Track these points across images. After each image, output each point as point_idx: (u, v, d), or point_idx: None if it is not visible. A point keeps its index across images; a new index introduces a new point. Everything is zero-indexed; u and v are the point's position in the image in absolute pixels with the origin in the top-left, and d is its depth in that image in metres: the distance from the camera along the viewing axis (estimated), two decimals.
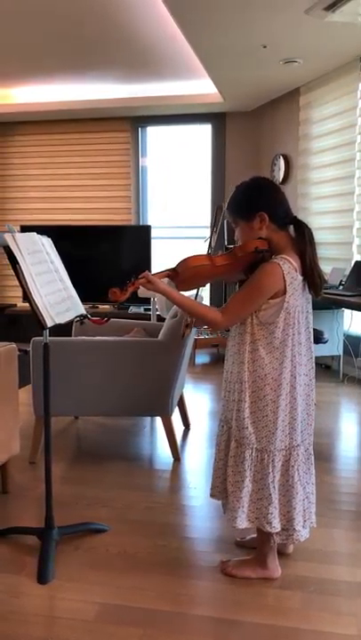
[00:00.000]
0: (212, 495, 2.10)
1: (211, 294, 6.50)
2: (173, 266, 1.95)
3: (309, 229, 1.92)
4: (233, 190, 2.00)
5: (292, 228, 1.95)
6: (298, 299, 1.88)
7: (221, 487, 2.05)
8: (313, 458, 2.02)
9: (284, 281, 1.83)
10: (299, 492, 1.94)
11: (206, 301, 6.42)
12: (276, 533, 1.97)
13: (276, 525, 1.92)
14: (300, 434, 1.95)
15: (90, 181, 6.73)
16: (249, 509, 1.94)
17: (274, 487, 1.92)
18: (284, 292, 1.84)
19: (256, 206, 1.89)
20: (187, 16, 3.65)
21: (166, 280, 1.96)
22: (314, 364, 2.00)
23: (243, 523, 1.94)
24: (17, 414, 2.67)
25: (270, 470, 1.91)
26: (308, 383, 1.97)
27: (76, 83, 5.73)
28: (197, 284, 2.01)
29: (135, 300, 1.98)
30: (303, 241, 1.90)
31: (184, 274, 1.92)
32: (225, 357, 2.08)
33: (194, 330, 3.30)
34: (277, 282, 1.83)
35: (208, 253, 1.97)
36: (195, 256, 1.93)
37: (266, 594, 1.95)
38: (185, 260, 1.92)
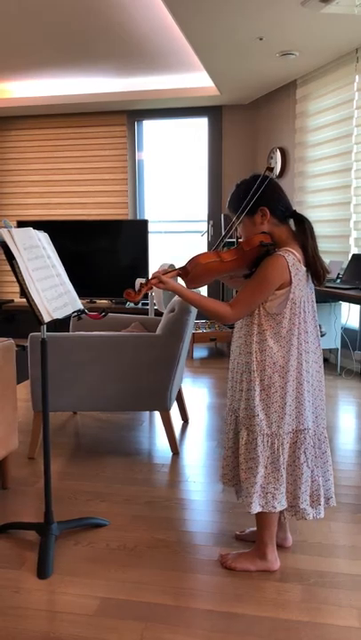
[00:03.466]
0: (223, 483, 2.14)
1: (208, 290, 6.50)
2: (183, 264, 2.01)
3: (309, 222, 1.98)
4: (233, 188, 2.05)
5: (292, 221, 2.01)
6: (303, 289, 1.94)
7: (231, 475, 2.10)
8: (328, 442, 2.06)
9: (290, 272, 1.89)
10: (305, 472, 1.99)
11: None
12: (286, 510, 2.02)
13: (283, 503, 1.98)
14: (309, 418, 2.00)
15: (86, 176, 6.71)
16: (259, 495, 1.98)
17: (284, 468, 1.98)
18: (290, 282, 1.90)
19: (257, 202, 1.95)
20: (182, 9, 3.63)
21: (177, 279, 2.02)
22: (322, 352, 2.06)
23: (256, 507, 1.98)
24: (15, 410, 2.67)
25: (281, 454, 1.97)
26: (318, 370, 2.04)
27: (72, 77, 5.70)
28: (207, 281, 2.08)
29: (152, 288, 2.03)
30: (304, 234, 1.96)
31: (194, 271, 1.97)
32: (231, 349, 2.13)
33: (192, 324, 3.30)
34: (283, 273, 1.89)
35: (215, 250, 2.02)
36: (203, 254, 1.98)
37: (265, 586, 1.96)
38: (194, 257, 1.98)
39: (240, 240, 2.03)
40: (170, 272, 2.00)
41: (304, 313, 1.96)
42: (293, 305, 1.93)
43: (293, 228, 2.01)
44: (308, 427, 2.00)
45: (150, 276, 1.98)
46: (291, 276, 1.89)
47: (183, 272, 2.00)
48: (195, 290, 2.08)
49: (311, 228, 1.97)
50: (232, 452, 2.09)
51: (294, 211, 2.01)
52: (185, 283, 2.02)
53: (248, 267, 1.98)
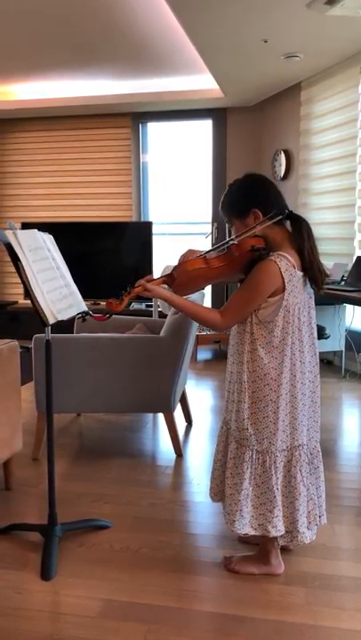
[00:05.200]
0: (211, 497, 2.10)
1: (212, 293, 6.50)
2: (170, 271, 1.93)
3: (307, 223, 1.89)
4: (227, 189, 1.97)
5: (288, 223, 1.92)
6: (298, 295, 1.85)
7: (218, 489, 2.05)
8: (321, 456, 2.00)
9: (283, 278, 1.80)
10: (302, 492, 1.91)
11: (208, 299, 6.42)
12: (282, 536, 1.96)
13: (280, 528, 1.91)
14: (304, 433, 1.92)
15: (91, 178, 6.72)
16: (252, 516, 1.92)
17: (277, 489, 1.90)
18: (283, 289, 1.82)
19: (249, 204, 1.88)
20: (187, 11, 3.64)
21: (164, 286, 1.94)
22: (318, 361, 1.97)
23: (244, 528, 1.91)
24: (19, 411, 2.67)
25: (273, 472, 1.89)
26: (312, 380, 1.95)
27: (77, 79, 5.71)
28: (196, 288, 1.97)
29: (137, 296, 1.95)
30: (300, 235, 1.86)
31: (181, 278, 1.89)
32: (227, 356, 2.06)
33: (196, 326, 3.29)
34: (275, 280, 1.80)
35: (204, 255, 1.92)
36: (190, 260, 1.90)
37: (269, 590, 1.95)
38: (181, 264, 1.90)
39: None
40: (155, 280, 1.91)
41: (298, 321, 1.86)
42: (287, 313, 1.83)
43: (290, 229, 1.91)
44: (302, 442, 1.92)
45: (135, 284, 1.89)
46: (284, 282, 1.80)
47: (170, 279, 1.91)
48: (187, 297, 2.00)
49: (308, 229, 1.87)
50: (220, 464, 2.02)
51: (290, 211, 1.91)
52: (173, 290, 1.93)
53: (242, 272, 1.89)
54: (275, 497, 1.89)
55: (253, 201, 1.87)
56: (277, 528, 1.90)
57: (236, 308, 1.87)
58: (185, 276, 1.88)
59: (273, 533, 1.90)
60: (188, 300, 1.95)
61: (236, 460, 1.93)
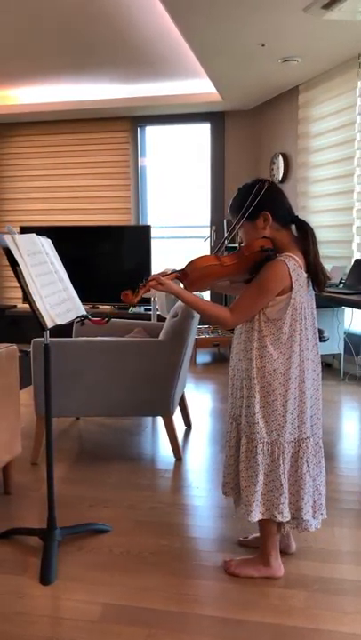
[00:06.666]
0: (224, 492, 2.13)
1: (211, 294, 6.50)
2: (182, 267, 1.98)
3: (311, 228, 1.97)
4: (235, 192, 2.03)
5: (293, 227, 2.00)
6: (303, 295, 1.92)
7: (233, 483, 2.08)
8: (323, 451, 2.06)
9: (291, 278, 1.87)
10: (307, 482, 1.97)
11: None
12: (287, 522, 2.00)
13: (286, 514, 1.96)
14: (309, 427, 1.99)
15: (89, 182, 6.73)
16: (260, 502, 1.97)
17: (285, 478, 1.96)
18: (291, 288, 1.88)
19: (259, 206, 1.93)
20: (185, 15, 3.65)
21: (175, 281, 1.99)
22: (320, 360, 2.04)
23: (256, 515, 1.97)
24: (19, 415, 2.67)
25: (281, 462, 1.95)
26: (316, 378, 2.02)
27: (76, 83, 5.73)
28: (206, 285, 2.05)
29: (150, 290, 2.00)
30: (306, 239, 1.94)
31: (193, 274, 1.95)
32: (230, 355, 2.11)
33: (195, 329, 3.30)
34: (284, 279, 1.87)
35: (215, 254, 2.00)
36: (203, 257, 1.96)
37: (269, 593, 1.95)
38: (193, 260, 1.96)
39: (241, 245, 2.02)
40: (169, 274, 1.97)
41: (305, 319, 1.94)
42: (294, 311, 1.91)
43: (295, 233, 1.99)
44: (309, 435, 1.99)
45: (149, 278, 1.94)
46: (292, 282, 1.88)
47: (182, 275, 1.96)
48: (195, 293, 2.06)
49: (313, 234, 1.96)
50: (234, 460, 2.07)
51: (296, 216, 2.00)
52: (184, 286, 1.99)
53: (248, 272, 1.96)
54: (281, 485, 1.95)
55: (263, 204, 1.93)
56: (283, 514, 1.96)
57: (245, 306, 1.93)
58: (197, 272, 1.95)
59: (279, 519, 1.96)
60: (198, 297, 2.01)
61: (248, 453, 1.98)
